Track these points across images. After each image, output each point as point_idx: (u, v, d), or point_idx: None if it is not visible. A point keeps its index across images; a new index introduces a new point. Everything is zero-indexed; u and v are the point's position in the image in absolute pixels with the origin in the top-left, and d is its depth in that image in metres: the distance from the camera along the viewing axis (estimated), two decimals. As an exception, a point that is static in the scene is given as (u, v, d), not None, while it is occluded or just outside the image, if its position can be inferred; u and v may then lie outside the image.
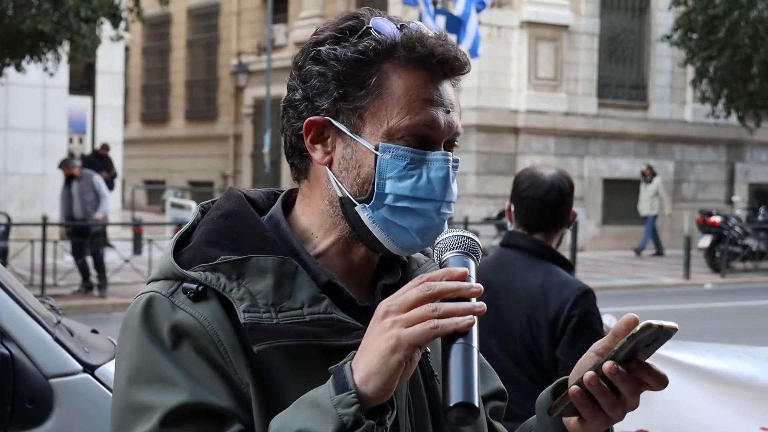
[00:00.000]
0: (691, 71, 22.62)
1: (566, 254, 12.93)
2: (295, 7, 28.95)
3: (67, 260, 15.74)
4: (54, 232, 15.19)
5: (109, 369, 3.70)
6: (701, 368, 3.65)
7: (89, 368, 3.73)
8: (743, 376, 3.56)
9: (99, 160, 19.65)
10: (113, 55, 20.19)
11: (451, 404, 1.27)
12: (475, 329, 1.30)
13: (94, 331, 4.47)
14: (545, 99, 22.93)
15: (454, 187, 1.48)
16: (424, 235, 1.46)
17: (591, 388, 1.41)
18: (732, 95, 20.78)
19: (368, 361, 1.28)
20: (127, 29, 16.58)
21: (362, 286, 1.52)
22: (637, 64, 24.69)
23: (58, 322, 3.94)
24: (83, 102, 20.89)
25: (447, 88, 1.47)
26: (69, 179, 14.55)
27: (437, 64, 1.45)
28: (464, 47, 15.74)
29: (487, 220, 19.49)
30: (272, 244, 1.46)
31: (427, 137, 1.44)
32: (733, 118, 22.03)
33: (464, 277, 1.33)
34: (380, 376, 1.27)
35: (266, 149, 25.07)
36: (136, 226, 18.76)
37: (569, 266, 3.50)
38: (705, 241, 19.68)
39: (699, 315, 14.21)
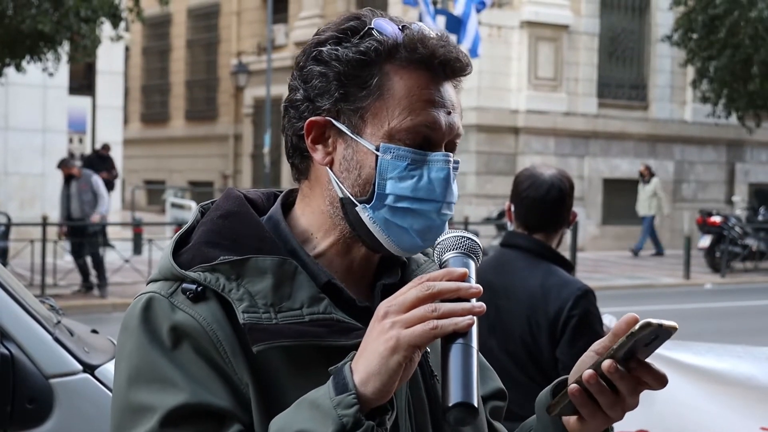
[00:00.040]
0: (691, 71, 22.63)
1: (566, 254, 12.94)
2: (295, 7, 28.95)
3: (67, 260, 15.75)
4: (54, 232, 15.19)
5: (109, 369, 3.70)
6: (701, 368, 3.65)
7: (89, 368, 3.72)
8: (743, 376, 3.56)
9: (100, 160, 19.65)
10: (113, 55, 20.19)
11: (451, 404, 1.27)
12: (474, 329, 1.30)
13: (94, 331, 4.47)
14: (545, 99, 22.93)
15: (455, 187, 1.48)
16: (425, 235, 1.46)
17: (590, 386, 1.41)
18: (732, 95, 20.78)
19: (368, 362, 1.28)
20: (127, 29, 16.58)
21: (362, 286, 1.52)
22: (637, 64, 24.69)
23: (58, 322, 3.94)
24: (83, 102, 20.89)
25: (448, 89, 1.47)
26: (68, 179, 14.57)
27: (439, 65, 1.45)
28: (464, 47, 15.75)
29: (487, 220, 19.50)
30: (271, 245, 1.46)
31: (428, 138, 1.44)
32: (733, 118, 22.03)
33: (464, 278, 1.33)
34: (380, 377, 1.27)
35: (266, 149, 25.08)
36: (136, 226, 18.76)
37: (569, 266, 3.50)
38: (705, 241, 19.69)
39: (699, 315, 14.21)
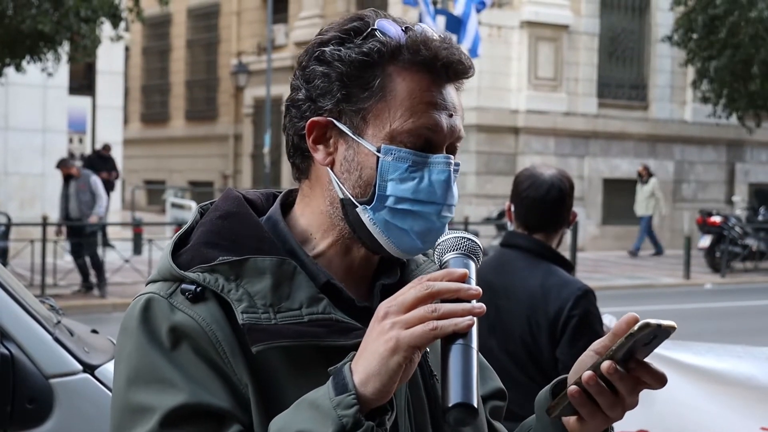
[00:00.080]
0: (691, 71, 22.62)
1: (566, 254, 12.94)
2: (295, 7, 28.95)
3: (67, 260, 15.75)
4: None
5: (109, 369, 3.70)
6: (701, 368, 3.65)
7: (89, 368, 3.72)
8: (743, 376, 3.56)
9: (101, 161, 19.65)
10: (113, 55, 20.19)
11: (450, 405, 1.27)
12: (474, 330, 1.30)
13: (94, 331, 4.47)
14: (545, 99, 22.93)
15: (455, 190, 1.48)
16: (425, 237, 1.46)
17: (590, 387, 1.41)
18: (733, 95, 20.78)
19: (368, 362, 1.28)
20: (127, 29, 16.58)
21: (361, 286, 1.52)
22: (637, 64, 24.69)
23: (58, 322, 3.94)
24: (83, 102, 20.90)
25: (450, 92, 1.47)
26: (67, 179, 14.58)
27: (441, 67, 1.45)
28: (464, 47, 15.74)
29: (487, 220, 19.50)
30: (270, 245, 1.46)
31: (430, 140, 1.44)
32: (733, 118, 22.03)
33: (464, 279, 1.33)
34: (380, 377, 1.27)
35: (266, 149, 25.08)
36: (136, 226, 18.76)
37: (569, 266, 3.50)
38: (705, 241, 19.69)
39: (699, 315, 14.21)
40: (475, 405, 1.27)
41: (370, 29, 1.45)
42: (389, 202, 1.44)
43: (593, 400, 1.43)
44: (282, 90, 27.14)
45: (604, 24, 23.91)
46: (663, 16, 23.99)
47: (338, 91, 1.45)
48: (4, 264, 12.46)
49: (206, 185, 31.13)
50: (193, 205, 20.54)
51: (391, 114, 1.43)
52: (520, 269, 3.43)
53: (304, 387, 1.34)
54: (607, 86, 24.14)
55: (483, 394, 1.65)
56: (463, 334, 1.29)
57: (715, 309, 15.25)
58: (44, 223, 14.43)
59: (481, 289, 1.32)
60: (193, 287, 1.41)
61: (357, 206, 1.46)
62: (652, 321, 1.34)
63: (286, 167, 26.79)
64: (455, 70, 1.46)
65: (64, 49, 15.02)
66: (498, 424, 1.67)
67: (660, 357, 3.51)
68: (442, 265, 1.42)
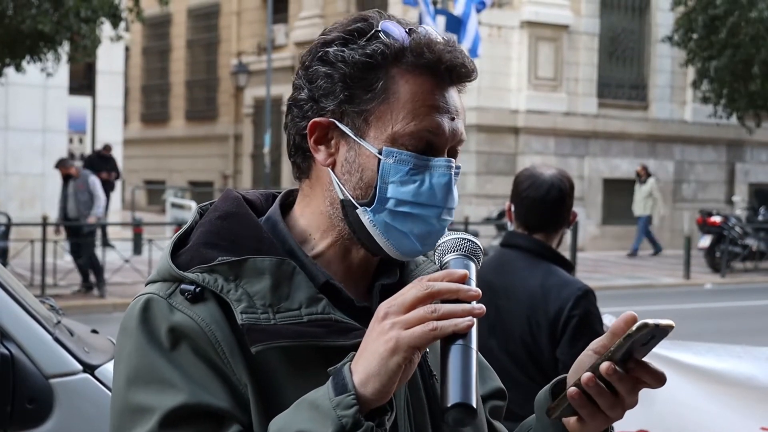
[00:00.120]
0: (691, 71, 22.62)
1: (566, 254, 12.94)
2: (295, 7, 28.94)
3: (67, 260, 15.75)
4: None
5: (109, 369, 3.69)
6: (701, 368, 3.65)
7: (89, 368, 3.72)
8: (743, 376, 3.56)
9: (101, 161, 19.66)
10: (113, 55, 20.19)
11: (449, 405, 1.27)
12: (474, 331, 1.30)
13: (94, 331, 4.47)
14: (545, 99, 22.93)
15: (456, 193, 1.48)
16: (425, 240, 1.46)
17: (589, 389, 1.41)
18: (733, 95, 20.78)
19: (367, 362, 1.28)
20: (127, 29, 16.57)
21: (361, 286, 1.52)
22: (637, 64, 24.69)
23: (58, 322, 3.93)
24: (83, 102, 20.90)
25: (453, 95, 1.47)
26: (66, 179, 14.59)
27: (445, 70, 1.44)
28: (464, 47, 15.72)
29: (487, 220, 19.50)
30: (270, 245, 1.46)
31: (431, 143, 1.44)
32: (733, 118, 22.03)
33: (464, 279, 1.32)
34: (379, 377, 1.27)
35: (266, 149, 25.07)
36: (136, 226, 18.76)
37: (569, 266, 3.50)
38: (705, 241, 19.69)
39: (699, 315, 14.21)
40: (474, 405, 1.27)
41: (373, 31, 1.45)
42: (390, 204, 1.44)
43: (593, 401, 1.43)
44: (282, 90, 27.14)
45: (604, 24, 23.91)
46: (663, 16, 23.99)
47: (341, 92, 1.44)
48: (4, 264, 12.46)
49: (206, 185, 31.13)
50: (193, 205, 20.55)
51: (394, 116, 1.43)
52: (520, 269, 3.43)
53: (304, 387, 1.34)
54: (607, 86, 24.14)
55: (483, 393, 1.65)
56: (463, 334, 1.29)
57: (715, 309, 15.25)
58: (44, 223, 14.43)
59: (480, 291, 1.32)
60: (192, 287, 1.41)
61: (357, 208, 1.46)
62: (650, 321, 1.34)
63: (286, 167, 26.79)
64: (458, 73, 1.46)
65: (64, 49, 15.02)
66: (498, 424, 1.67)
67: (660, 357, 3.51)
68: (443, 266, 1.42)
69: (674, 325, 1.34)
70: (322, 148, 1.48)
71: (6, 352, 3.57)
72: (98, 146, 20.49)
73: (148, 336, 1.39)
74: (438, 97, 1.44)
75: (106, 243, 16.86)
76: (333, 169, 1.47)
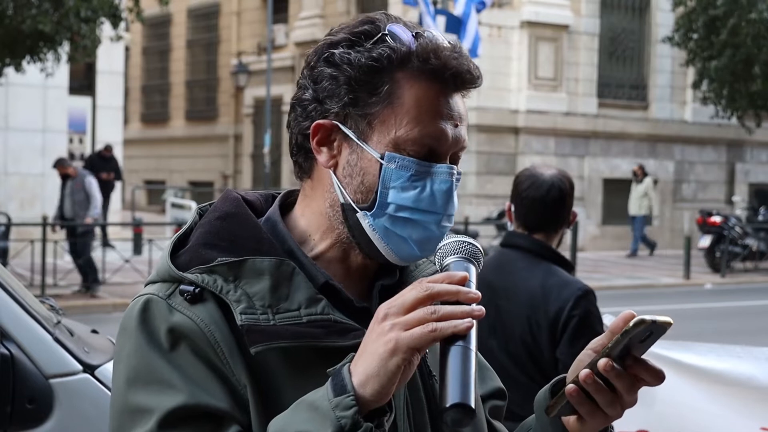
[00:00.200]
0: (691, 72, 22.62)
1: (566, 254, 12.94)
2: (295, 7, 28.94)
3: (67, 260, 15.74)
4: (55, 234, 15.20)
5: (109, 369, 3.69)
6: (701, 368, 3.66)
7: (89, 368, 3.72)
8: (743, 377, 3.56)
9: (101, 161, 19.66)
10: (113, 55, 20.19)
11: (447, 405, 1.27)
12: (473, 332, 1.30)
13: (94, 331, 4.46)
14: (545, 99, 22.93)
15: (456, 200, 1.48)
16: (424, 246, 1.46)
17: (587, 386, 1.41)
18: (734, 95, 20.78)
19: (367, 363, 1.28)
20: (127, 29, 16.59)
21: (360, 286, 1.52)
22: (637, 64, 24.69)
23: (58, 322, 3.93)
24: (83, 102, 20.90)
25: (457, 101, 1.47)
26: (64, 179, 14.58)
27: (450, 77, 1.44)
28: (464, 47, 15.71)
29: (487, 220, 19.50)
30: (269, 246, 1.46)
31: (434, 150, 1.44)
32: (734, 119, 22.03)
33: (464, 282, 1.32)
34: (379, 379, 1.27)
35: (266, 149, 25.06)
36: (136, 226, 18.76)
37: (569, 266, 3.50)
38: (705, 241, 19.68)
39: (699, 315, 14.21)
40: (473, 405, 1.27)
41: (380, 34, 1.45)
42: (390, 209, 1.44)
43: (592, 398, 1.43)
44: (282, 90, 27.14)
45: (604, 24, 23.91)
46: (663, 17, 23.99)
47: (345, 94, 1.44)
48: (4, 264, 12.46)
49: (206, 185, 31.12)
50: (193, 205, 20.54)
51: (397, 121, 1.43)
52: (521, 269, 3.43)
53: (303, 388, 1.34)
54: (607, 86, 24.14)
55: (482, 393, 1.65)
56: (463, 336, 1.29)
57: (715, 309, 15.25)
58: (44, 223, 14.43)
59: (480, 294, 1.33)
60: (191, 288, 1.41)
61: (357, 212, 1.46)
62: (647, 317, 1.34)
63: (286, 167, 26.79)
64: (463, 79, 1.46)
65: (64, 49, 15.01)
66: (498, 424, 1.67)
67: (660, 357, 3.51)
68: (443, 269, 1.42)
69: (672, 322, 1.34)
70: (324, 149, 1.47)
71: (6, 352, 3.56)
72: (98, 146, 20.50)
73: (147, 336, 1.39)
74: (442, 104, 1.44)
75: (106, 243, 16.86)
76: (335, 172, 1.47)
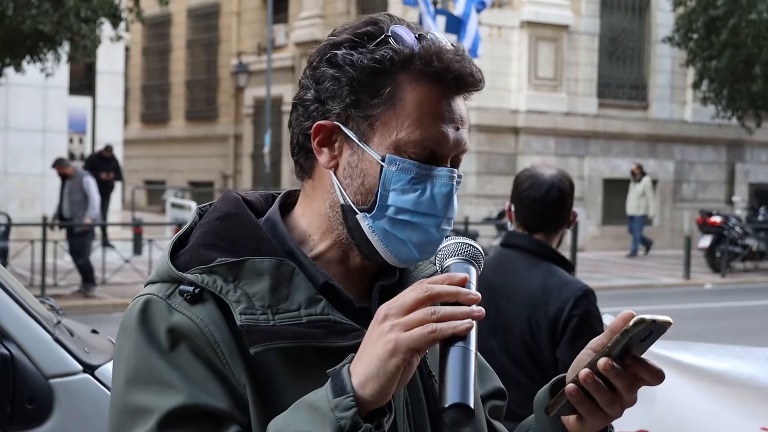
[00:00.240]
0: (691, 72, 22.62)
1: (566, 254, 12.94)
2: (295, 7, 28.94)
3: (67, 260, 15.74)
4: (54, 232, 15.20)
5: (109, 369, 3.69)
6: (701, 368, 3.66)
7: (89, 368, 3.72)
8: (743, 377, 3.56)
9: (101, 161, 19.66)
10: (113, 55, 20.20)
11: (446, 405, 1.27)
12: (473, 333, 1.30)
13: (94, 331, 4.46)
14: (545, 99, 22.93)
15: (456, 203, 1.48)
16: (423, 248, 1.46)
17: (587, 385, 1.41)
18: (734, 95, 20.78)
19: (366, 364, 1.28)
20: (127, 29, 16.59)
21: (360, 287, 1.51)
22: (637, 64, 24.69)
23: (58, 322, 3.93)
24: (83, 102, 20.90)
25: (459, 104, 1.47)
26: (63, 178, 14.57)
27: (452, 80, 1.44)
28: (464, 47, 15.71)
29: (487, 220, 19.50)
30: (269, 246, 1.46)
31: (435, 153, 1.44)
32: (734, 119, 22.03)
33: (464, 283, 1.32)
34: (378, 379, 1.27)
35: (266, 149, 25.06)
36: (136, 226, 18.76)
37: (569, 266, 3.50)
38: (705, 241, 19.68)
39: (699, 315, 14.21)
40: (472, 405, 1.27)
41: (383, 35, 1.45)
42: (390, 212, 1.44)
43: (591, 398, 1.43)
44: (282, 90, 27.13)
45: (604, 24, 23.91)
46: (663, 17, 23.99)
47: (347, 95, 1.44)
48: (4, 264, 12.46)
49: (206, 185, 31.12)
50: (193, 205, 20.54)
51: (399, 123, 1.43)
52: (521, 269, 3.43)
53: (303, 388, 1.34)
54: (608, 86, 24.14)
55: (482, 393, 1.65)
56: (462, 336, 1.29)
57: (715, 309, 15.25)
58: (44, 223, 14.42)
59: (480, 295, 1.33)
60: (191, 288, 1.41)
61: (357, 213, 1.46)
62: (647, 316, 1.34)
63: (286, 167, 26.78)
64: (466, 82, 1.46)
65: (64, 49, 15.01)
66: (498, 424, 1.67)
67: (660, 357, 3.51)
68: (443, 270, 1.42)
69: (672, 321, 1.34)
70: (325, 150, 1.47)
71: (6, 352, 3.56)
72: (98, 146, 20.49)
73: (147, 337, 1.39)
74: (444, 107, 1.44)
75: (106, 243, 16.86)
76: (335, 172, 1.47)
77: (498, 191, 21.34)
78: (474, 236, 17.13)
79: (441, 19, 16.31)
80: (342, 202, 1.47)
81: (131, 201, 27.69)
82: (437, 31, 1.50)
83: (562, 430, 1.52)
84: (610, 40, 24.20)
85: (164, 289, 1.43)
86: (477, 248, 1.44)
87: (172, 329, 1.39)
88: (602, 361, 1.39)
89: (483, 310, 1.30)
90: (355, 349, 1.32)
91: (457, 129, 1.45)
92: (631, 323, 1.35)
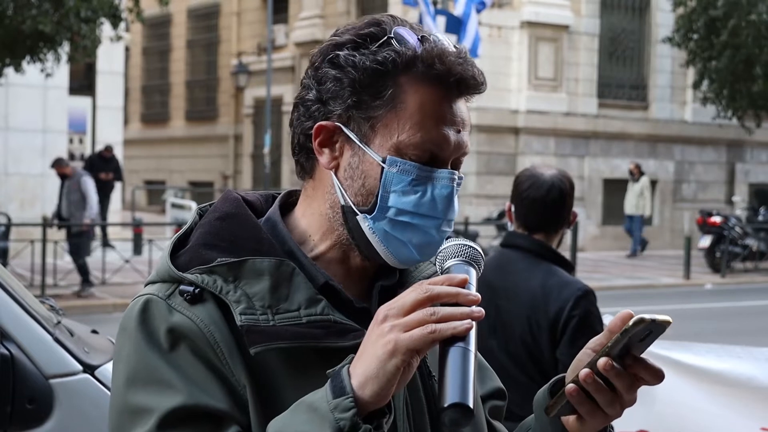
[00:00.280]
0: (691, 72, 22.62)
1: (566, 254, 12.93)
2: (295, 7, 28.94)
3: (67, 260, 15.75)
4: (54, 233, 15.20)
5: (109, 369, 3.69)
6: (701, 369, 3.66)
7: (89, 368, 3.72)
8: (743, 377, 3.56)
9: (102, 162, 19.66)
10: (113, 55, 20.20)
11: (445, 405, 1.27)
12: (473, 334, 1.30)
13: (94, 331, 4.46)
14: (545, 99, 22.93)
15: (456, 205, 1.48)
16: (423, 250, 1.46)
17: (587, 385, 1.41)
18: (734, 95, 20.78)
19: (366, 365, 1.28)
20: (127, 29, 16.59)
21: (360, 287, 1.51)
22: (637, 64, 24.69)
23: (58, 322, 3.93)
24: (83, 102, 20.91)
25: (461, 107, 1.47)
26: (63, 178, 14.56)
27: (454, 82, 1.44)
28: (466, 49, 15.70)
29: (488, 221, 19.49)
30: (269, 246, 1.46)
31: (436, 155, 1.44)
32: (734, 119, 22.03)
33: (464, 284, 1.32)
34: (378, 380, 1.27)
35: (266, 149, 25.06)
36: (136, 227, 18.76)
37: (570, 266, 3.50)
38: (705, 241, 19.68)
39: (699, 315, 14.21)
40: (471, 405, 1.27)
41: (386, 37, 1.44)
42: (390, 213, 1.44)
43: (591, 398, 1.43)
44: (282, 90, 27.13)
45: (604, 24, 23.91)
46: (663, 17, 23.99)
47: (349, 97, 1.44)
48: (4, 264, 12.46)
49: (206, 185, 31.12)
50: (193, 205, 20.54)
51: (400, 125, 1.43)
52: (521, 270, 3.43)
53: (303, 388, 1.34)
54: (608, 86, 24.14)
55: (482, 394, 1.65)
56: (462, 337, 1.29)
57: (715, 309, 15.25)
58: (44, 224, 14.43)
59: (480, 296, 1.32)
60: (191, 288, 1.41)
61: (357, 214, 1.46)
62: (647, 316, 1.34)
63: (286, 168, 26.78)
64: (468, 85, 1.46)
65: (64, 49, 15.01)
66: (498, 424, 1.67)
67: (660, 357, 3.51)
68: (444, 272, 1.42)
69: (671, 320, 1.34)
70: (326, 151, 1.47)
71: (6, 352, 3.56)
72: (98, 147, 20.49)
73: (147, 337, 1.39)
74: (446, 109, 1.44)
75: (106, 243, 16.86)
76: (336, 173, 1.47)
77: (498, 191, 21.34)
78: (474, 236, 17.14)
79: (441, 20, 16.32)
80: (342, 202, 1.47)
81: (131, 201, 27.68)
82: (439, 33, 1.50)
83: (562, 430, 1.52)
84: (610, 40, 24.20)
85: (164, 289, 1.43)
86: (477, 250, 1.44)
87: (172, 329, 1.39)
88: (602, 361, 1.39)
89: (483, 311, 1.30)
90: (355, 349, 1.32)
91: (459, 132, 1.45)
92: (630, 323, 1.35)
